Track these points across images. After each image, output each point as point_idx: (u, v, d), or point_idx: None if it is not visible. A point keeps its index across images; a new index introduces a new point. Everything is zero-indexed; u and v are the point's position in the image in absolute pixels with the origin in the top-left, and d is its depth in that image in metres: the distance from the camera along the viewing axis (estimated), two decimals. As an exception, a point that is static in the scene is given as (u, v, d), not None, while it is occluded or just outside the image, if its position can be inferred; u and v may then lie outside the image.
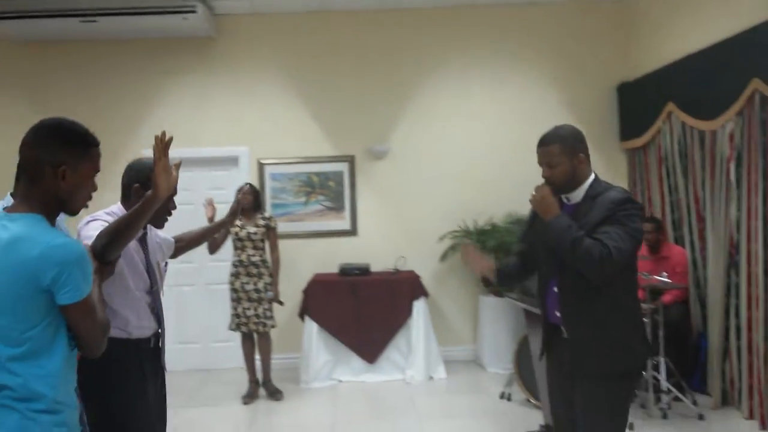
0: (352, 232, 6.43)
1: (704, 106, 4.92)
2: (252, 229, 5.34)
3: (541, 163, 2.57)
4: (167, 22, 5.87)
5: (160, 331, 2.71)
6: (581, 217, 2.48)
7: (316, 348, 5.66)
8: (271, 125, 6.40)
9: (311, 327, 5.69)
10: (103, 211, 2.54)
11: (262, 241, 5.38)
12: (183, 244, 3.04)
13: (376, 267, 6.10)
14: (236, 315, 5.32)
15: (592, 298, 2.46)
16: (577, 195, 2.55)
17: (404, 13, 6.39)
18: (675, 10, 5.49)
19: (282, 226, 5.88)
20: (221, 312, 6.30)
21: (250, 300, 5.30)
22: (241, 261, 5.32)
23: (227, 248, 5.42)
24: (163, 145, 2.14)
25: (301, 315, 5.78)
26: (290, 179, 6.43)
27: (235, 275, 5.33)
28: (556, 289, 2.58)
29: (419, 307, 5.73)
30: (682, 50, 5.24)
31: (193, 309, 6.44)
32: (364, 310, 5.71)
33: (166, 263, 2.95)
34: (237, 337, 5.78)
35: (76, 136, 1.87)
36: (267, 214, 5.49)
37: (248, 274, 5.30)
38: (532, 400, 4.76)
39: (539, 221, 2.58)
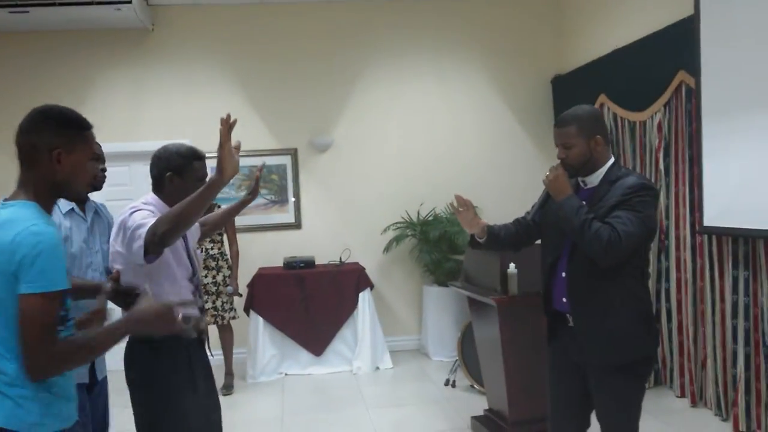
0: (297, 225, 6.42)
1: (634, 97, 5.12)
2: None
3: (557, 143, 2.53)
4: (101, 12, 5.69)
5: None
6: (597, 202, 2.44)
7: (262, 342, 5.65)
8: (211, 118, 6.20)
9: (257, 321, 5.67)
10: (140, 201, 2.45)
11: (220, 234, 5.35)
12: (207, 228, 2.96)
13: (320, 260, 6.11)
14: None
15: (603, 285, 2.42)
16: (595, 179, 2.50)
17: (345, 5, 6.39)
18: (604, 5, 5.68)
19: (225, 221, 5.82)
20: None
21: (207, 293, 5.26)
22: None
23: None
24: (227, 127, 2.14)
25: (247, 309, 5.75)
26: (232, 173, 6.35)
27: None
28: (564, 275, 2.54)
29: (364, 298, 5.78)
30: (611, 44, 5.43)
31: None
32: (309, 303, 5.72)
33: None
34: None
35: (69, 119, 1.86)
36: (222, 207, 5.44)
37: (206, 267, 5.27)
38: (476, 386, 4.89)
39: (551, 203, 2.54)
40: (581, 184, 2.58)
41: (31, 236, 1.67)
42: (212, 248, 5.33)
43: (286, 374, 5.71)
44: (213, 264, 5.32)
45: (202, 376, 2.59)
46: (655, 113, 4.86)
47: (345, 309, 5.77)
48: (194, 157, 2.55)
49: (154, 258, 2.27)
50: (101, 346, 1.77)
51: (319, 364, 5.75)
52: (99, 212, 2.83)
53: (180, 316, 1.88)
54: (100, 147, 2.62)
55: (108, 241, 2.63)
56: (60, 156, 1.80)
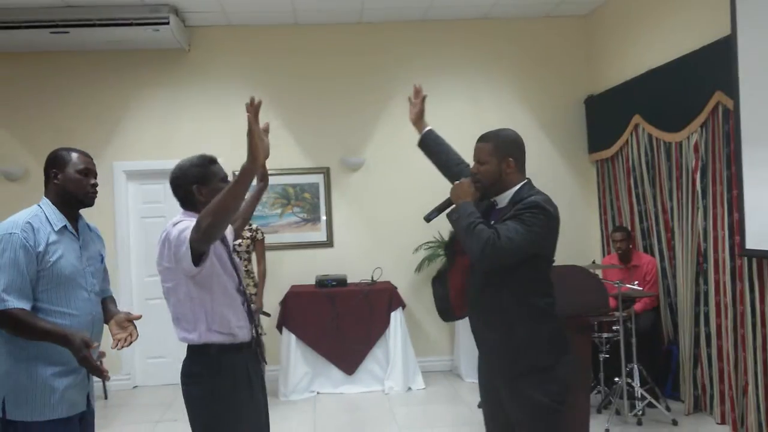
0: (329, 243, 6.45)
1: (669, 118, 5.08)
2: (236, 242, 5.32)
3: (473, 157, 2.63)
4: (139, 33, 5.84)
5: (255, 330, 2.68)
6: (500, 219, 2.48)
7: (294, 360, 5.66)
8: (245, 137, 6.35)
9: (289, 339, 5.69)
10: (178, 216, 2.52)
11: (248, 252, 5.40)
12: (238, 224, 2.99)
13: (352, 278, 6.12)
14: None
15: (498, 297, 2.47)
16: (503, 199, 2.57)
17: (377, 26, 6.46)
18: (638, 25, 5.67)
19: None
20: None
21: None
22: None
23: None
24: (255, 111, 2.23)
25: (279, 327, 5.78)
26: (265, 191, 6.41)
27: None
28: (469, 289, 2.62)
29: (396, 317, 5.77)
30: (646, 64, 5.40)
31: (166, 323, 6.34)
32: (341, 321, 5.73)
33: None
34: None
35: None
36: (253, 226, 5.51)
37: None
38: (510, 409, 4.83)
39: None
40: (494, 205, 2.64)
41: None
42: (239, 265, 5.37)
43: (318, 393, 5.71)
44: None
45: (260, 388, 2.64)
46: (692, 134, 4.82)
47: (377, 328, 5.76)
48: (210, 162, 2.60)
49: (201, 261, 2.30)
50: None
51: (351, 383, 5.74)
52: (90, 230, 2.74)
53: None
54: (92, 162, 2.64)
55: (101, 262, 2.67)
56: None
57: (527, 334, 2.45)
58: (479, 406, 5.05)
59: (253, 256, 5.53)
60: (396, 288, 5.94)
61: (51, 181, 2.56)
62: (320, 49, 6.45)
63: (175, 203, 6.23)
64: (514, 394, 2.47)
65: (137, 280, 6.36)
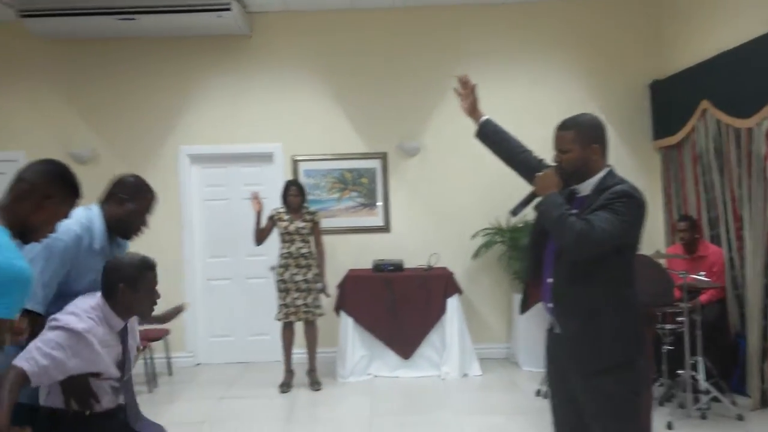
0: (385, 228, 6.49)
1: (739, 103, 4.90)
2: (300, 224, 5.48)
3: (554, 146, 2.58)
4: (203, 19, 5.95)
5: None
6: (586, 209, 2.43)
7: (352, 343, 5.74)
8: (305, 122, 6.47)
9: (347, 322, 5.77)
10: (89, 303, 2.49)
11: (309, 234, 5.55)
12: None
13: (409, 263, 6.15)
14: (285, 305, 5.46)
15: (585, 287, 2.42)
16: (586, 187, 2.51)
17: (437, 9, 6.42)
18: (706, 7, 5.47)
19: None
20: (258, 305, 6.42)
21: (299, 290, 5.45)
22: (290, 253, 5.46)
23: (248, 245, 5.54)
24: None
25: (337, 310, 5.86)
26: (323, 176, 6.49)
27: (284, 266, 5.47)
28: (549, 280, 2.54)
29: (453, 304, 5.78)
30: (715, 47, 5.22)
31: (228, 303, 6.54)
32: (398, 306, 5.78)
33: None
34: (273, 330, 5.88)
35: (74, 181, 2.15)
36: (312, 209, 5.64)
37: (297, 266, 5.45)
38: (568, 398, 4.79)
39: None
40: (575, 193, 2.56)
41: (11, 266, 1.79)
42: (303, 248, 5.50)
43: (374, 376, 5.78)
44: (303, 263, 5.49)
45: None
46: (763, 120, 4.64)
47: (433, 314, 5.78)
48: (148, 268, 2.58)
49: None
50: None
51: (407, 367, 5.79)
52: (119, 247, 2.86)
53: None
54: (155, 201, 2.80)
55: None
56: (49, 205, 2.06)
57: (614, 326, 2.40)
58: (537, 394, 5.06)
59: (311, 240, 5.62)
60: (452, 274, 5.94)
61: (114, 202, 2.66)
62: (377, 34, 6.45)
63: (236, 187, 6.39)
64: (593, 388, 2.43)
65: (200, 262, 6.54)
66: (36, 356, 2.24)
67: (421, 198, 6.48)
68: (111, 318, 2.49)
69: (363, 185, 6.52)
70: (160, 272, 6.42)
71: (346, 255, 6.33)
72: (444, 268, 6.08)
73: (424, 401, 5.16)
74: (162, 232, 6.42)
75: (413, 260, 6.22)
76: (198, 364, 6.46)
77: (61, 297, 2.50)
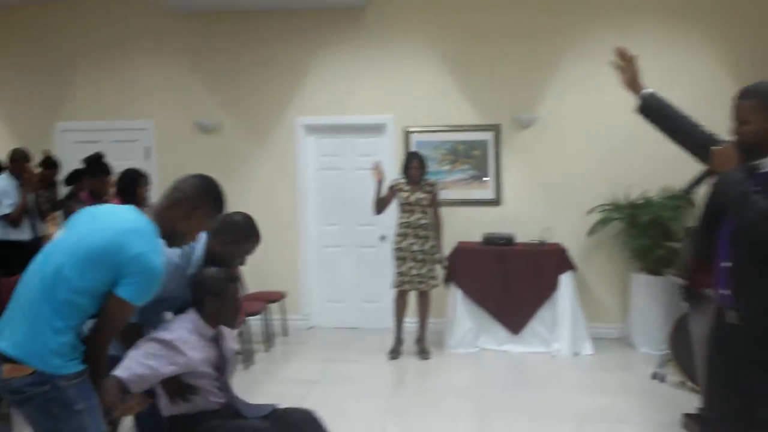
0: (496, 201, 6.41)
1: None
2: (420, 195, 5.54)
3: (733, 117, 2.37)
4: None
5: None
6: None
7: (460, 314, 5.75)
8: (417, 93, 6.47)
9: (456, 294, 5.79)
10: (187, 320, 2.77)
11: (428, 205, 5.59)
12: None
13: (520, 238, 6.05)
14: (400, 273, 5.55)
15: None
16: None
17: (559, -23, 6.18)
18: None
19: (429, 194, 5.95)
20: (369, 273, 6.56)
21: (415, 260, 5.52)
22: (409, 223, 5.54)
23: (363, 214, 5.64)
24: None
25: (447, 281, 5.88)
26: (435, 147, 6.48)
27: (403, 236, 5.56)
28: (725, 264, 2.36)
29: (566, 280, 5.65)
30: None
31: (340, 269, 6.72)
32: (509, 280, 5.71)
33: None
34: (383, 298, 5.99)
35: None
36: (431, 180, 5.67)
37: (416, 236, 5.52)
38: (689, 384, 4.59)
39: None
40: (756, 169, 2.33)
41: (145, 258, 2.09)
42: (422, 218, 5.54)
43: (482, 348, 5.77)
44: (422, 233, 5.54)
45: None
46: None
47: (545, 289, 5.68)
48: (229, 280, 2.76)
49: None
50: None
51: (516, 342, 5.74)
52: None
53: None
54: None
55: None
56: (196, 216, 2.30)
57: None
58: (653, 377, 4.87)
59: (430, 211, 5.64)
60: (566, 250, 5.79)
61: (218, 240, 2.78)
62: (492, 2, 6.30)
63: (350, 157, 6.50)
64: None
65: (315, 229, 6.75)
66: (133, 366, 2.52)
67: (535, 171, 6.33)
68: (201, 326, 2.74)
69: (475, 157, 6.46)
70: (278, 237, 6.73)
71: (456, 228, 6.30)
72: (557, 244, 5.93)
73: (532, 376, 5.10)
74: (279, 199, 6.68)
75: (524, 235, 6.11)
76: (311, 327, 6.70)
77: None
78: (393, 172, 5.99)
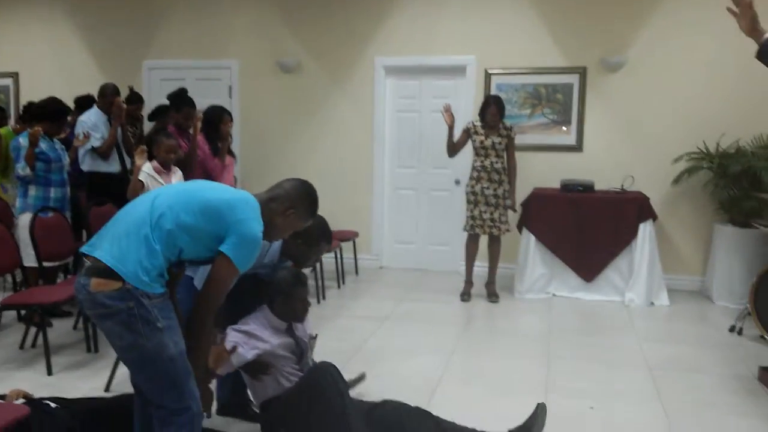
0: (577, 147, 6.23)
1: None
2: (497, 139, 5.46)
3: None
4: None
5: None
6: None
7: (532, 260, 5.69)
8: (501, 35, 6.30)
9: (529, 239, 5.72)
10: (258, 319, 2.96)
11: (503, 150, 5.49)
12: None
13: (600, 185, 5.87)
14: (472, 217, 5.54)
15: None
16: None
17: None
18: None
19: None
20: (439, 216, 6.57)
21: (487, 204, 5.49)
22: (483, 167, 5.48)
23: (441, 157, 5.60)
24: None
25: (520, 226, 5.82)
26: (516, 90, 6.33)
27: (476, 179, 5.52)
28: None
29: (645, 230, 5.47)
30: None
31: (412, 212, 6.75)
32: (585, 227, 5.59)
33: None
34: (452, 240, 5.99)
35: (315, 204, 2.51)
36: (508, 124, 5.56)
37: (489, 180, 5.48)
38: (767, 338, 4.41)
39: None
40: None
41: (252, 224, 2.21)
42: (496, 162, 5.46)
43: (553, 294, 5.71)
44: (496, 177, 5.47)
45: None
46: None
47: (623, 238, 5.52)
48: (299, 283, 2.92)
49: None
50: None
51: (588, 290, 5.64)
52: None
53: None
54: None
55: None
56: (290, 215, 2.39)
57: None
58: (731, 330, 4.70)
59: (505, 155, 5.54)
60: (648, 198, 5.59)
61: (293, 242, 2.85)
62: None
63: (428, 100, 6.44)
64: None
65: (389, 171, 6.78)
66: None
67: (620, 117, 6.09)
68: (273, 321, 2.94)
69: (557, 101, 6.27)
70: (353, 178, 6.80)
71: (534, 173, 6.18)
72: (639, 192, 5.72)
73: (605, 324, 5.02)
74: (355, 140, 6.74)
75: (605, 182, 5.92)
76: (381, 267, 6.80)
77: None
78: (472, 116, 5.89)
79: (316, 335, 3.26)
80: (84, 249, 2.21)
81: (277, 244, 2.93)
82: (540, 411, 2.95)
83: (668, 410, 3.45)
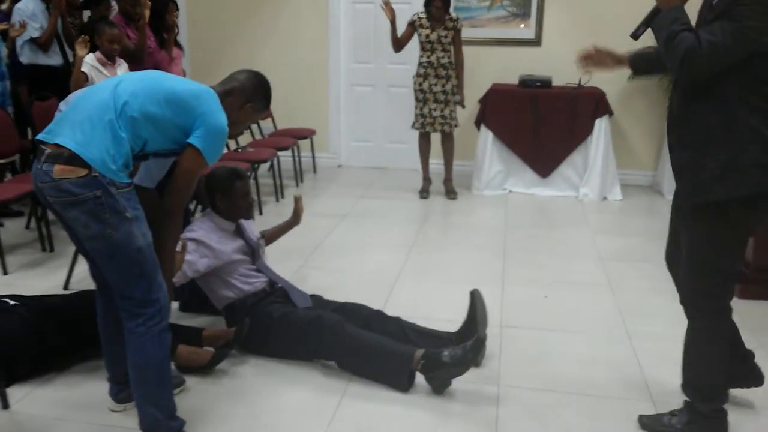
0: (536, 42, 6.13)
1: None
2: (443, 33, 5.30)
3: None
4: None
5: None
6: (707, 20, 2.10)
7: (489, 157, 5.72)
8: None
9: (486, 136, 5.72)
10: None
11: (450, 44, 5.35)
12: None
13: (558, 81, 5.84)
14: (421, 115, 5.47)
15: (699, 111, 2.13)
16: None
17: None
18: None
19: (463, 32, 5.67)
20: (398, 113, 6.48)
21: (436, 101, 5.40)
22: (430, 62, 5.35)
23: (408, 50, 5.44)
24: None
25: (477, 123, 5.80)
26: (475, -19, 6.13)
27: (423, 76, 5.39)
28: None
29: (601, 125, 5.52)
30: None
31: (370, 109, 6.64)
32: (542, 123, 5.61)
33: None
34: (412, 138, 5.95)
35: (270, 96, 2.48)
36: (454, 16, 5.38)
37: (437, 76, 5.36)
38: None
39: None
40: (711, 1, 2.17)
41: (219, 115, 2.18)
42: (443, 57, 5.35)
43: (510, 191, 5.80)
44: (443, 73, 5.37)
45: None
46: None
47: (578, 134, 5.58)
48: (236, 177, 2.96)
49: None
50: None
51: (544, 185, 5.74)
52: None
53: None
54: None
55: None
56: (248, 109, 2.38)
57: (725, 154, 2.09)
58: (679, 222, 4.88)
59: (452, 49, 5.42)
60: (605, 94, 5.61)
61: (245, 106, 2.61)
62: None
63: None
64: (689, 224, 2.25)
65: (345, 66, 6.59)
66: None
67: (581, 10, 5.98)
68: (220, 222, 2.96)
69: (517, -7, 6.11)
70: (307, 73, 6.62)
71: (491, 68, 6.10)
72: (596, 88, 5.73)
73: (559, 218, 5.15)
74: (309, 34, 6.49)
75: (563, 77, 5.89)
76: (340, 166, 6.76)
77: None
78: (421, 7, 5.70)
79: (263, 235, 3.27)
80: (41, 136, 2.09)
81: None
82: (476, 298, 2.92)
83: (618, 298, 3.63)
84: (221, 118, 2.19)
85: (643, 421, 2.48)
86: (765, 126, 2.07)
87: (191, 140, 2.14)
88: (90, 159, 1.99)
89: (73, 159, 1.99)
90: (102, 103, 2.08)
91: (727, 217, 2.14)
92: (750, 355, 2.57)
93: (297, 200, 3.46)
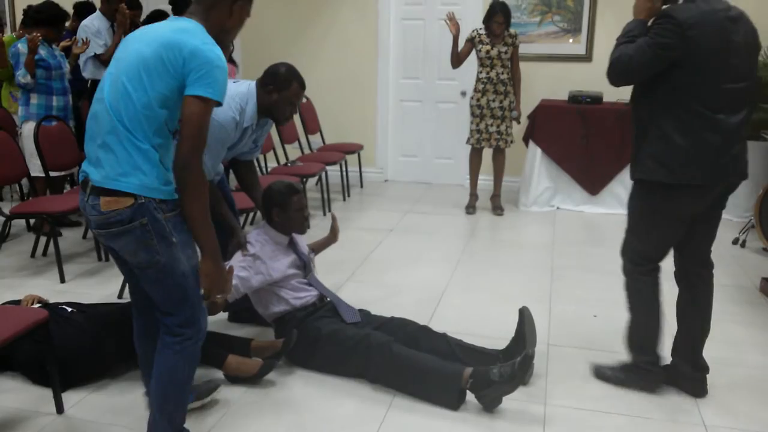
0: (587, 57, 6.09)
1: None
2: (502, 48, 5.32)
3: None
4: None
5: None
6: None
7: (537, 173, 5.68)
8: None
9: (535, 152, 5.68)
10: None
11: (509, 59, 5.36)
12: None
13: (609, 97, 5.77)
14: (477, 131, 5.48)
15: (637, 109, 2.60)
16: None
17: None
18: None
19: (516, 48, 5.67)
20: (445, 129, 6.49)
21: (493, 117, 5.42)
22: (489, 78, 5.37)
23: (447, 68, 5.47)
24: None
25: (526, 139, 5.77)
26: (526, -3, 6.12)
27: (482, 92, 5.41)
28: None
29: (653, 142, 5.42)
30: None
31: (417, 124, 6.67)
32: (591, 140, 5.55)
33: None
34: (458, 154, 5.96)
35: None
36: (513, 32, 5.40)
37: (495, 92, 5.38)
38: (771, 249, 4.46)
39: None
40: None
41: (210, 51, 1.95)
42: (502, 73, 5.35)
43: (558, 208, 5.73)
44: (502, 89, 5.38)
45: None
46: None
47: (629, 151, 5.46)
48: (293, 192, 3.00)
49: None
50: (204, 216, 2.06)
51: (593, 203, 5.66)
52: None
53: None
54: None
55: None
56: (236, 8, 2.08)
57: (643, 144, 2.53)
58: (734, 242, 4.75)
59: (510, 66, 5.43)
60: (657, 111, 5.51)
61: (265, 90, 2.87)
62: None
63: (434, 6, 6.25)
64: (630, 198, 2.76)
65: (393, 82, 6.65)
66: None
67: (632, 26, 5.90)
68: (275, 236, 3.02)
69: (568, 9, 6.07)
70: (356, 89, 6.71)
71: (541, 84, 6.08)
72: (647, 105, 5.63)
73: (608, 236, 5.06)
74: (358, 50, 6.57)
75: (614, 93, 5.74)
76: (386, 180, 6.80)
77: None
78: (478, 24, 5.72)
79: (312, 249, 3.32)
80: (85, 167, 2.07)
81: (252, 107, 2.86)
82: (525, 315, 2.90)
83: (670, 318, 3.53)
84: (207, 52, 1.94)
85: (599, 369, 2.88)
86: (672, 127, 2.44)
87: (187, 92, 1.95)
88: (129, 188, 1.96)
89: (114, 189, 1.97)
90: (107, 125, 1.99)
91: (654, 196, 2.59)
92: (703, 368, 2.74)
93: (334, 218, 3.50)
